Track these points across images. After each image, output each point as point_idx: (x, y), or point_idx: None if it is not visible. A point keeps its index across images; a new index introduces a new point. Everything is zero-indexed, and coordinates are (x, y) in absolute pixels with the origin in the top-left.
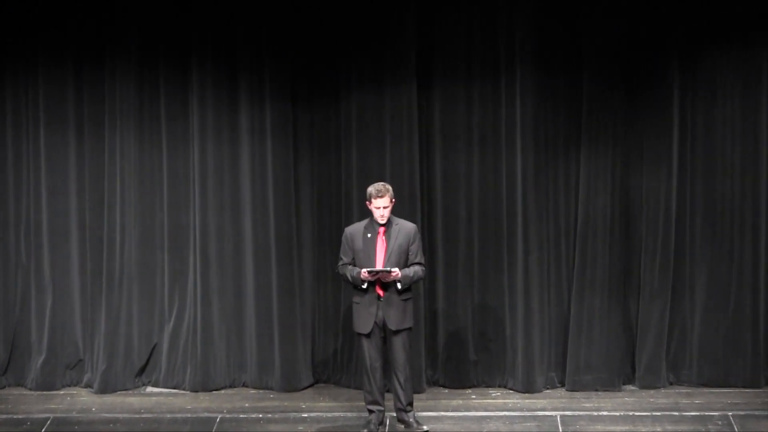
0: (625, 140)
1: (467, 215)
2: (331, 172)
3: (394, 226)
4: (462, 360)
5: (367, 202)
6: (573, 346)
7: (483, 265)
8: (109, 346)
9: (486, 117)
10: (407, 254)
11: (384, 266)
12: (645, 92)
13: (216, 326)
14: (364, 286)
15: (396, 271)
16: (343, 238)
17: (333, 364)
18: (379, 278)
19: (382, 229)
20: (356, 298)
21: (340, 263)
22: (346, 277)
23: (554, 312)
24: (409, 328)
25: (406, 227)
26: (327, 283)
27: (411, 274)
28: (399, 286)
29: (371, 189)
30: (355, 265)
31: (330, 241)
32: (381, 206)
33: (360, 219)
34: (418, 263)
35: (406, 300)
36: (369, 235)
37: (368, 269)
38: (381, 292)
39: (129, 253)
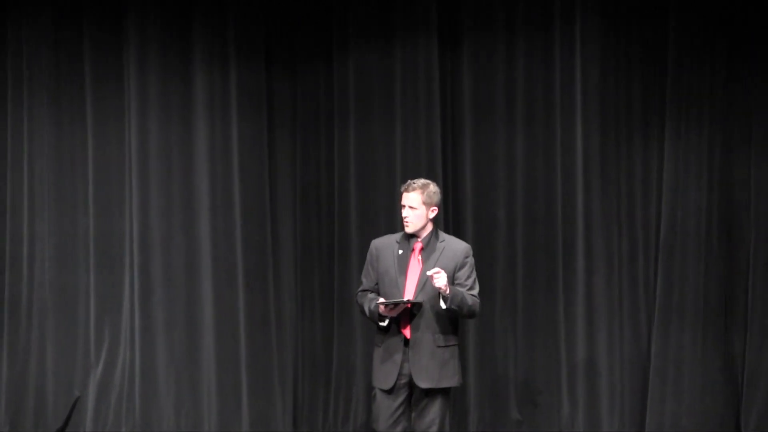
0: (727, 118)
1: (507, 220)
2: (320, 161)
3: (438, 243)
4: (501, 419)
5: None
6: (655, 399)
7: (529, 289)
8: (13, 402)
9: (533, 85)
10: (452, 281)
11: (417, 294)
12: (757, 50)
13: (161, 372)
14: (384, 323)
15: (441, 283)
16: (368, 253)
17: (323, 422)
18: (406, 311)
19: (418, 245)
20: (377, 340)
21: (360, 288)
22: (363, 310)
23: (628, 353)
24: (447, 389)
25: (454, 247)
26: (314, 312)
27: (465, 297)
28: (443, 304)
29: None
30: (379, 294)
31: (319, 255)
32: (405, 205)
33: (360, 224)
34: (470, 292)
35: (446, 347)
36: (401, 252)
37: (384, 300)
38: (407, 333)
39: (41, 273)
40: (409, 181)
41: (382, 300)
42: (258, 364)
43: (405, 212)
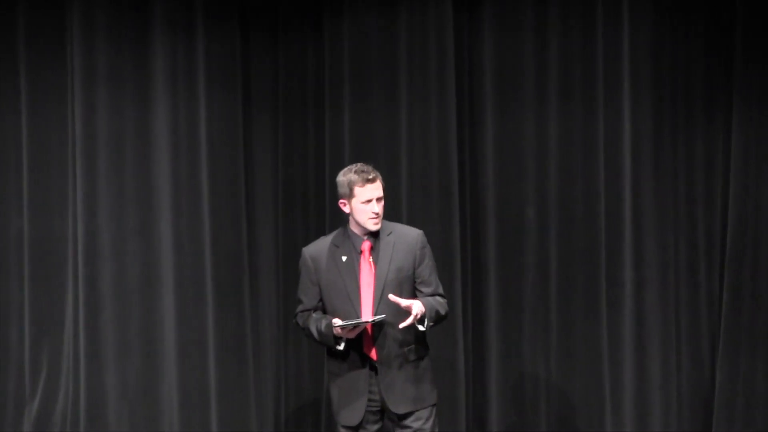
0: None
1: (539, 221)
2: (307, 149)
3: (386, 237)
4: None
5: (344, 200)
6: None
7: (565, 306)
8: None
9: (570, 56)
10: (412, 284)
11: (374, 312)
12: None
13: (112, 409)
14: (341, 346)
15: (417, 310)
16: (301, 266)
17: None
18: (365, 330)
19: (367, 245)
20: (332, 367)
21: (299, 309)
22: (311, 333)
23: (687, 384)
24: (433, 406)
25: (405, 236)
26: (301, 334)
27: (437, 307)
28: (422, 327)
29: (351, 175)
30: (325, 312)
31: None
32: (375, 197)
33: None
34: (438, 294)
35: (419, 359)
36: (344, 258)
37: (341, 322)
38: (373, 354)
39: None
40: (360, 166)
41: (338, 322)
42: (231, 399)
43: (376, 206)
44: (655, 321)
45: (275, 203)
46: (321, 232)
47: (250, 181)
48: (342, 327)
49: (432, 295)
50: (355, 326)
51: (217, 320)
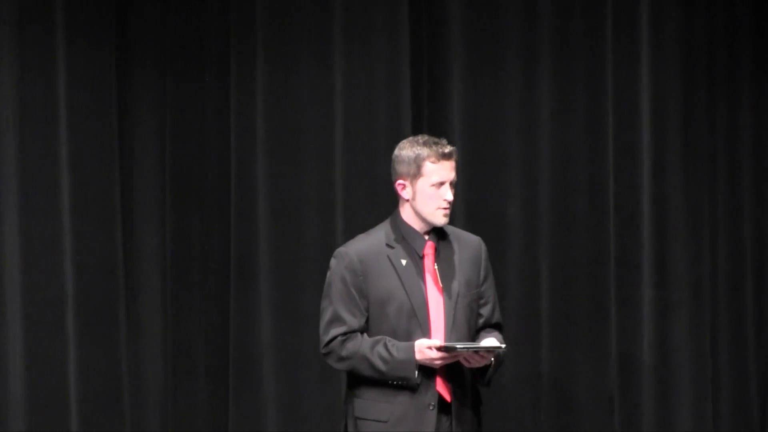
0: None
1: (524, 219)
2: (206, 125)
3: (448, 239)
4: None
5: (404, 180)
6: None
7: (561, 333)
8: None
9: (567, 3)
10: (477, 302)
11: (448, 333)
12: None
13: None
14: (419, 380)
15: (496, 344)
16: (341, 271)
17: None
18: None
19: (430, 247)
20: (371, 410)
21: (338, 332)
22: (367, 364)
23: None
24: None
25: (467, 241)
26: (196, 376)
27: (500, 355)
28: (487, 377)
29: (419, 147)
30: (374, 334)
31: (204, 281)
32: (449, 180)
33: (274, 230)
34: (498, 324)
35: (477, 405)
36: (404, 262)
37: (437, 343)
38: (445, 392)
39: None
40: (429, 137)
41: (434, 342)
42: None
43: (450, 192)
44: (684, 358)
45: (161, 200)
46: (225, 235)
47: (128, 168)
48: (446, 348)
49: (494, 325)
50: (454, 351)
51: (81, 361)
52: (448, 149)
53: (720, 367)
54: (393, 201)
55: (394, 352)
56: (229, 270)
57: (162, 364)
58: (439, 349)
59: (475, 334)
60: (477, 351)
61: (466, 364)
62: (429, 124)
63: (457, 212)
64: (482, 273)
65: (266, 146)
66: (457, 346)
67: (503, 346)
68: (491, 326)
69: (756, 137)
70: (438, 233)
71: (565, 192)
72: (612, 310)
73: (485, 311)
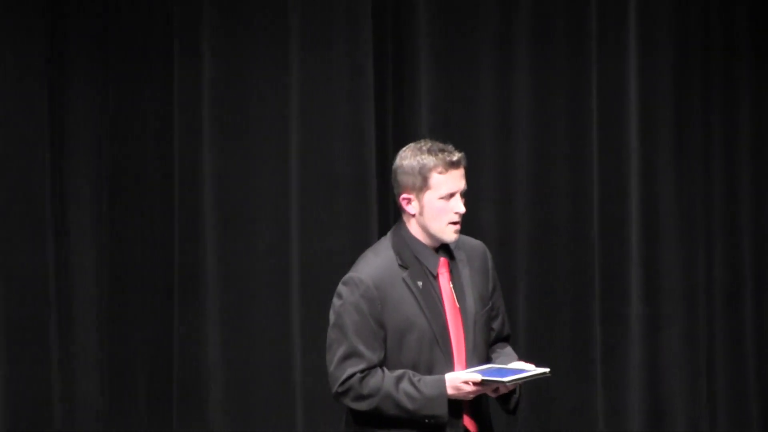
0: None
1: (499, 225)
2: (147, 116)
3: (457, 252)
4: None
5: (409, 194)
6: None
7: (539, 352)
8: None
9: None
10: (491, 317)
11: (469, 359)
12: None
13: None
14: (446, 417)
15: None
16: (355, 300)
17: None
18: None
19: (444, 264)
20: None
21: (353, 371)
22: (391, 402)
23: None
24: None
25: (473, 249)
26: (135, 407)
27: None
28: (515, 400)
29: (425, 156)
30: (391, 367)
31: (143, 296)
32: (459, 190)
33: (224, 236)
34: (508, 336)
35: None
36: (420, 284)
37: (476, 378)
38: (473, 429)
39: None
40: (434, 144)
41: (473, 376)
42: None
43: (461, 204)
44: (678, 377)
45: (97, 200)
46: (169, 242)
47: (58, 163)
48: (484, 383)
49: (504, 339)
50: (490, 384)
51: (8, 382)
52: (456, 156)
53: (717, 389)
54: (354, 205)
55: (423, 389)
56: (173, 280)
57: (98, 385)
58: (476, 383)
59: (489, 347)
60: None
61: (493, 395)
62: (395, 121)
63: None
64: (491, 284)
65: (214, 146)
66: (504, 379)
67: (548, 370)
68: (502, 339)
69: (755, 135)
70: (446, 247)
71: (544, 196)
72: (597, 327)
73: (496, 325)
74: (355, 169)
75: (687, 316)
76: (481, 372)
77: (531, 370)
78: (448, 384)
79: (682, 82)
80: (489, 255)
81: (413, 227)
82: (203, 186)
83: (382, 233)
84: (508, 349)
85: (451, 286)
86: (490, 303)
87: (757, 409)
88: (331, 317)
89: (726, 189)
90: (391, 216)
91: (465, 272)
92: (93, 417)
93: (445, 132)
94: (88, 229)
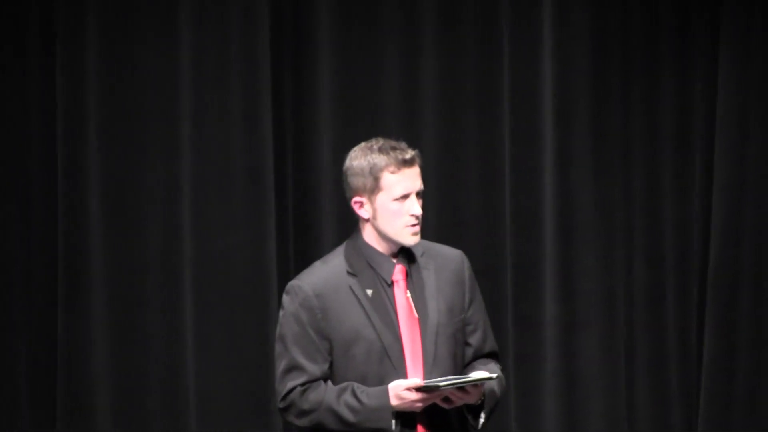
0: None
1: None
2: (29, 109)
3: (421, 259)
4: None
5: (361, 198)
6: None
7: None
8: None
9: None
10: (463, 331)
11: (428, 371)
12: None
13: None
14: (396, 428)
15: (483, 375)
16: (294, 310)
17: None
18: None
19: (400, 271)
20: None
21: (296, 383)
22: (333, 416)
23: None
24: None
25: (445, 257)
26: (18, 412)
27: (494, 387)
28: (482, 419)
29: (375, 155)
30: (339, 382)
31: (33, 295)
32: (414, 191)
33: (110, 237)
34: (492, 353)
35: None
36: (369, 292)
37: (416, 383)
38: None
39: None
40: (386, 141)
41: (413, 382)
42: None
43: (417, 206)
44: (594, 386)
45: None
46: (52, 239)
47: None
48: (426, 389)
49: (488, 354)
50: (434, 390)
51: None
52: (409, 154)
53: (637, 398)
54: (250, 200)
55: (365, 400)
56: (56, 280)
57: None
58: (418, 389)
59: (464, 369)
60: (463, 387)
61: (446, 405)
62: (293, 111)
63: (325, 215)
64: (467, 296)
65: (99, 137)
66: (440, 384)
67: (494, 375)
68: (485, 356)
69: (679, 123)
70: (408, 253)
71: (452, 187)
72: (509, 330)
73: (474, 340)
74: (251, 162)
75: (605, 318)
76: (431, 380)
77: (476, 375)
78: (390, 393)
79: (599, 66)
80: (467, 265)
81: (367, 233)
82: (88, 180)
83: (279, 231)
84: (492, 365)
85: (409, 294)
86: (463, 316)
87: (678, 418)
88: (277, 328)
89: (646, 181)
90: (290, 212)
91: (430, 281)
92: None
93: (346, 121)
94: None
